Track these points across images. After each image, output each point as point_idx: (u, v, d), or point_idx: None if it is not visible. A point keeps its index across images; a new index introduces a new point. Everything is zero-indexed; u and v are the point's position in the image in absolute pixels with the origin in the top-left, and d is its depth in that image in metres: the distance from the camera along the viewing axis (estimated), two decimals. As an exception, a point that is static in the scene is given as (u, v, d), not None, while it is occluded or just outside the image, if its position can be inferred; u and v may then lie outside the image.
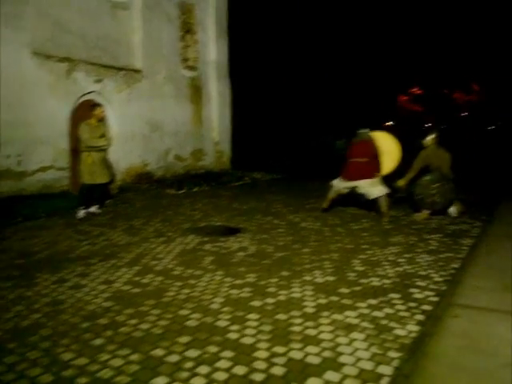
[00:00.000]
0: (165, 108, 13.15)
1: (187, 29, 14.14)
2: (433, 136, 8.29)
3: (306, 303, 4.25)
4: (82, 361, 3.22)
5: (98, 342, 3.50)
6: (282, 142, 21.28)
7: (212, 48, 15.12)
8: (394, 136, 8.82)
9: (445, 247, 6.15)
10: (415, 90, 45.71)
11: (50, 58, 10.00)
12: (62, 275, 5.07)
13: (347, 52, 31.14)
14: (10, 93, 9.20)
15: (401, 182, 8.32)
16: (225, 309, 4.12)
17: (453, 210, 8.03)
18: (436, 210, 7.95)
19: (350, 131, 9.11)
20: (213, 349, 3.38)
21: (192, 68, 14.34)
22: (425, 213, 8.00)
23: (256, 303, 4.26)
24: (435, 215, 7.92)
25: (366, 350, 3.37)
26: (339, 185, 8.28)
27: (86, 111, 9.08)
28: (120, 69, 11.71)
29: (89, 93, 10.89)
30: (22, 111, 9.39)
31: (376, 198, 7.93)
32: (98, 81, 11.09)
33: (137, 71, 12.22)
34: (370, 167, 7.99)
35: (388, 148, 8.53)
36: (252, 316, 3.96)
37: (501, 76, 40.16)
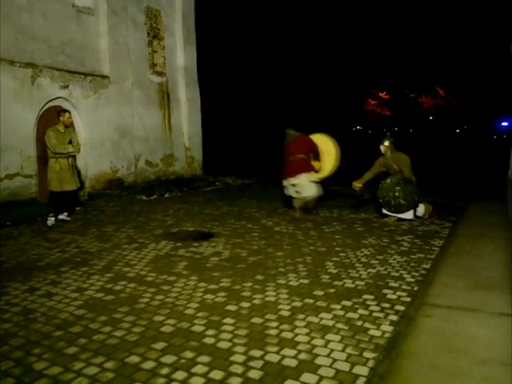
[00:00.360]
0: (133, 114, 13.02)
1: (154, 34, 14.06)
2: (386, 143, 8.06)
3: (281, 306, 4.27)
4: (56, 370, 3.15)
5: (72, 350, 3.43)
6: (255, 147, 21.34)
7: (180, 53, 15.06)
8: (333, 138, 8.81)
9: (416, 248, 6.27)
10: (383, 95, 46.45)
11: (14, 64, 9.78)
12: (32, 284, 4.96)
13: (316, 57, 31.48)
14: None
15: (357, 183, 8.28)
16: (200, 314, 4.10)
17: (421, 211, 8.06)
18: (402, 213, 7.90)
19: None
20: (189, 354, 3.36)
21: (160, 74, 14.26)
22: (393, 217, 8.03)
23: (231, 307, 4.25)
24: (402, 220, 7.97)
25: (342, 351, 3.40)
26: (288, 190, 8.45)
27: (52, 117, 8.92)
28: (87, 74, 11.54)
29: (55, 99, 10.70)
30: (-14, 118, 9.17)
31: (307, 197, 8.22)
32: (65, 86, 10.90)
33: (104, 77, 12.07)
34: (306, 162, 8.19)
35: (326, 149, 8.57)
36: (227, 320, 3.96)
37: (467, 81, 41.21)
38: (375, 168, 8.31)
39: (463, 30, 38.96)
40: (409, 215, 7.94)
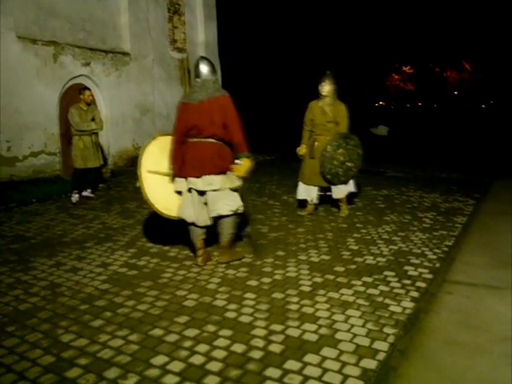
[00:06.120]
0: (154, 91, 13.03)
1: (175, 10, 13.93)
2: (330, 84, 6.48)
3: (301, 282, 4.30)
4: (82, 342, 3.24)
5: (97, 323, 3.52)
6: (275, 123, 21.21)
7: (200, 29, 14.92)
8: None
9: (438, 225, 6.21)
10: (407, 69, 45.52)
11: (36, 42, 9.82)
12: (58, 259, 5.07)
13: (339, 30, 30.94)
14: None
15: (301, 149, 6.74)
16: (222, 289, 4.16)
17: (348, 188, 6.78)
18: (351, 178, 6.69)
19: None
20: (211, 328, 3.42)
21: (181, 50, 14.18)
22: (309, 207, 6.92)
23: (252, 283, 4.29)
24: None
25: (362, 326, 3.42)
26: (185, 204, 4.96)
27: (75, 95, 8.98)
28: (108, 51, 11.54)
29: (77, 76, 10.75)
30: (9, 96, 9.24)
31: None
32: (86, 64, 10.93)
33: (125, 54, 12.06)
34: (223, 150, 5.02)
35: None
36: (249, 295, 4.00)
37: (493, 54, 40.06)
38: (308, 115, 6.68)
39: (489, 2, 37.74)
40: (344, 189, 6.74)
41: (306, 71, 28.00)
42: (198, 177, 4.54)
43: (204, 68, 4.66)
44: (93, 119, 8.09)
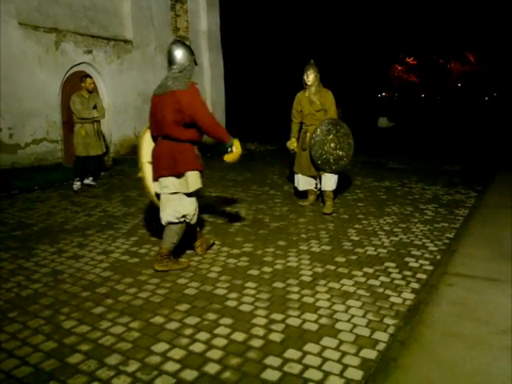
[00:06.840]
0: (157, 79, 12.90)
1: (177, -3, 13.88)
2: (314, 73, 6.36)
3: (302, 272, 4.31)
4: (84, 328, 3.26)
5: (99, 310, 3.54)
6: (277, 113, 21.15)
7: (203, 17, 14.84)
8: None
9: (440, 217, 6.21)
10: (410, 60, 45.26)
11: (38, 29, 9.77)
12: (60, 246, 5.09)
13: (342, 21, 30.75)
14: (-2, 64, 9.03)
15: (291, 143, 6.67)
16: (222, 277, 4.17)
17: (331, 183, 6.47)
18: (341, 168, 6.43)
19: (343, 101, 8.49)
20: (212, 316, 3.43)
21: (183, 38, 14.09)
22: (311, 198, 6.90)
23: (253, 272, 4.31)
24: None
25: (363, 317, 3.43)
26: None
27: (77, 83, 8.96)
28: (110, 39, 11.48)
29: (79, 64, 10.71)
30: (11, 83, 9.21)
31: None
32: (88, 52, 10.88)
33: (127, 42, 12.00)
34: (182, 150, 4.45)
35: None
36: (250, 284, 4.02)
37: (497, 46, 39.78)
38: (296, 109, 6.59)
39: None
40: (333, 181, 6.48)
41: (307, 61, 27.91)
42: (155, 179, 4.24)
43: (176, 53, 4.16)
44: (95, 107, 8.07)
